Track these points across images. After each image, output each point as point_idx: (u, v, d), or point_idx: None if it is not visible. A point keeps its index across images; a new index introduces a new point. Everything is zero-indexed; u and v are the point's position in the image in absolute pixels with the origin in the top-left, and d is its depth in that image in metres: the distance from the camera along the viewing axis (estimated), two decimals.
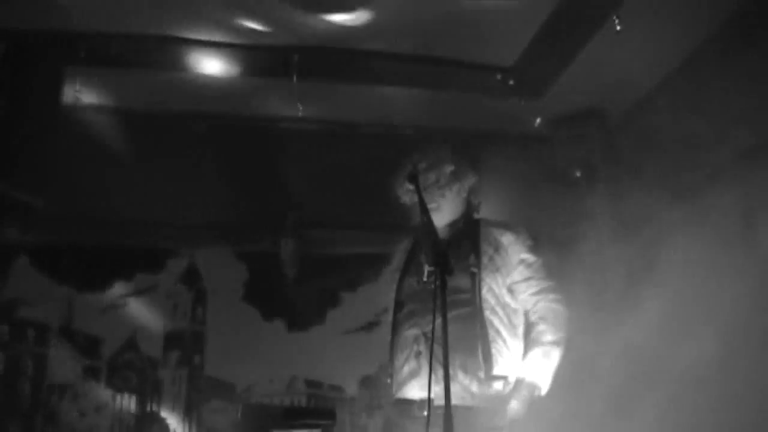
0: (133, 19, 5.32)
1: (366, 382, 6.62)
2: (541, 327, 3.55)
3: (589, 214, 5.93)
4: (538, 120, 6.18)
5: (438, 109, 6.23)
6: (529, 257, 3.69)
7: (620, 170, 5.90)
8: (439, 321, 3.41)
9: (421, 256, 3.77)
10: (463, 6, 5.23)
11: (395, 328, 3.73)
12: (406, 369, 3.59)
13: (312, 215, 6.64)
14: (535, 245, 3.75)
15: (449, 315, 3.39)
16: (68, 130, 4.75)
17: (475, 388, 3.39)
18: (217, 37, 5.55)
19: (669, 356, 4.81)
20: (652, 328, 4.87)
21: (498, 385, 3.44)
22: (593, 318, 5.42)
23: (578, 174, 6.34)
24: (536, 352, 3.50)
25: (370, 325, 6.63)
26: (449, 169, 3.81)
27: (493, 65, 5.91)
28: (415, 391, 3.54)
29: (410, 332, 3.62)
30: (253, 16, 5.31)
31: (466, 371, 3.42)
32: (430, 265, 3.52)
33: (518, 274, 3.65)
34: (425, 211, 3.31)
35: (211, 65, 5.75)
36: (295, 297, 6.70)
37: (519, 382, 3.46)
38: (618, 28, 5.01)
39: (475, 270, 3.57)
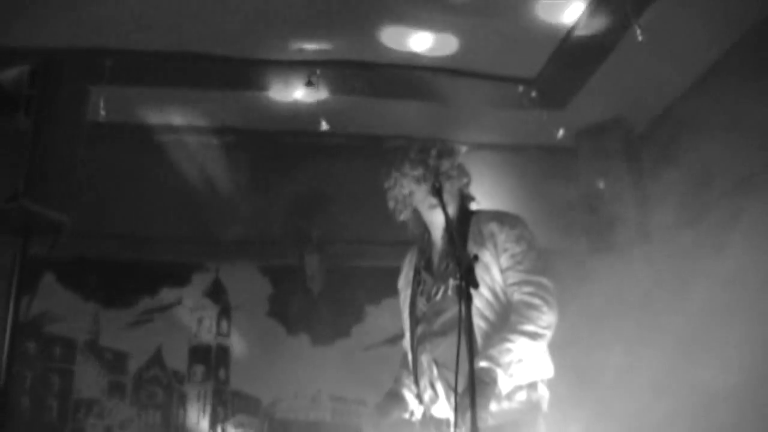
0: (158, 36, 5.36)
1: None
2: (512, 318, 3.33)
3: (613, 225, 5.91)
4: (561, 131, 6.17)
5: (461, 122, 6.23)
6: (512, 246, 3.47)
7: (644, 181, 5.88)
8: (446, 344, 3.40)
9: (425, 273, 3.72)
10: (486, 19, 5.24)
11: (413, 349, 3.67)
12: (426, 396, 3.55)
13: (336, 229, 6.65)
14: (524, 234, 3.52)
15: (447, 334, 3.41)
16: (94, 147, 4.79)
17: (494, 406, 3.23)
18: (240, 53, 5.59)
19: (694, 367, 4.78)
20: (678, 341, 4.85)
21: (521, 396, 3.34)
22: (617, 329, 5.40)
23: (602, 185, 6.32)
24: (499, 341, 3.26)
25: (396, 339, 6.60)
26: (409, 176, 3.65)
27: (516, 77, 5.92)
28: (435, 413, 3.52)
29: (424, 357, 3.58)
30: (276, 30, 5.34)
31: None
32: (454, 279, 3.48)
33: (503, 263, 3.46)
34: (449, 225, 3.29)
35: (234, 81, 5.80)
36: (319, 311, 6.69)
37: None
38: (639, 38, 5.00)
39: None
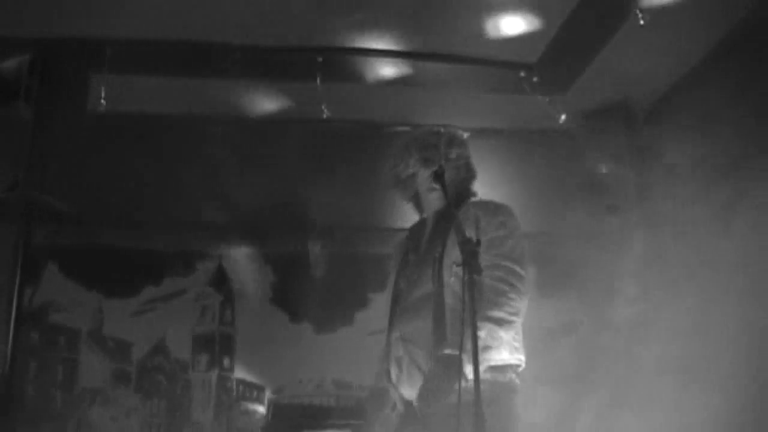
0: (157, 24, 5.35)
1: None
2: (480, 304, 3.18)
3: (616, 210, 5.91)
4: (563, 116, 6.15)
5: (463, 108, 6.22)
6: (492, 231, 3.45)
7: (647, 164, 5.87)
8: (417, 322, 3.43)
9: (411, 254, 3.73)
10: (486, 3, 5.22)
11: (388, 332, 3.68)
12: (393, 375, 3.53)
13: (339, 216, 6.64)
14: (506, 222, 3.51)
15: (419, 313, 3.44)
16: (95, 136, 4.79)
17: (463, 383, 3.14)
18: (240, 41, 5.58)
19: (700, 355, 4.77)
20: (684, 324, 4.84)
21: (486, 375, 3.18)
22: (620, 314, 5.40)
23: (605, 169, 6.31)
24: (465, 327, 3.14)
25: None
26: (416, 157, 3.70)
27: (517, 62, 5.90)
28: (404, 393, 3.49)
29: (393, 335, 3.58)
30: (277, 18, 5.33)
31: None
32: (457, 264, 3.47)
33: (482, 247, 3.36)
34: (451, 209, 3.28)
35: (235, 68, 5.78)
36: (323, 298, 6.70)
37: (440, 358, 3.22)
38: (641, 22, 4.98)
39: (437, 255, 3.46)
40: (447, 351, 3.18)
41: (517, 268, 3.41)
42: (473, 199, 3.75)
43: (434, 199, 3.62)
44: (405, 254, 3.80)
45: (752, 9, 5.09)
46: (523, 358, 3.48)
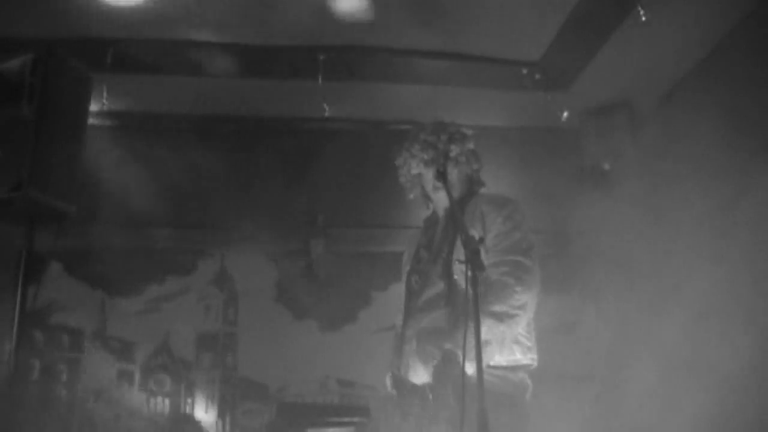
0: (159, 24, 5.35)
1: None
2: (486, 299, 3.24)
3: (618, 207, 5.91)
4: (566, 113, 6.15)
5: (465, 106, 6.21)
6: (497, 227, 3.47)
7: (650, 162, 5.87)
8: (427, 320, 3.47)
9: (423, 251, 3.75)
10: (489, 1, 5.22)
11: (403, 323, 3.71)
12: (404, 370, 3.56)
13: (341, 215, 6.64)
14: (511, 216, 3.50)
15: (430, 311, 3.47)
16: (97, 135, 4.80)
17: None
18: (242, 40, 5.58)
19: (703, 352, 4.77)
20: (686, 322, 4.84)
21: (498, 372, 3.31)
22: (623, 312, 5.40)
23: (607, 166, 6.31)
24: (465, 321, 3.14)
25: None
26: (418, 158, 3.72)
27: (519, 60, 5.91)
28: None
29: (408, 331, 3.59)
30: (278, 17, 5.33)
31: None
32: (460, 262, 3.46)
33: (488, 243, 3.43)
34: (453, 208, 3.27)
35: (237, 68, 5.78)
36: (326, 297, 6.70)
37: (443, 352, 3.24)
38: (643, 18, 4.98)
39: (445, 255, 3.49)
40: (447, 346, 3.20)
41: (524, 260, 3.41)
42: (482, 191, 3.79)
43: (442, 197, 3.59)
44: (417, 250, 3.81)
45: (753, 9, 5.09)
46: (535, 357, 3.49)
